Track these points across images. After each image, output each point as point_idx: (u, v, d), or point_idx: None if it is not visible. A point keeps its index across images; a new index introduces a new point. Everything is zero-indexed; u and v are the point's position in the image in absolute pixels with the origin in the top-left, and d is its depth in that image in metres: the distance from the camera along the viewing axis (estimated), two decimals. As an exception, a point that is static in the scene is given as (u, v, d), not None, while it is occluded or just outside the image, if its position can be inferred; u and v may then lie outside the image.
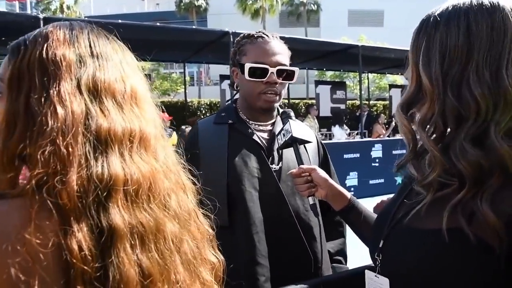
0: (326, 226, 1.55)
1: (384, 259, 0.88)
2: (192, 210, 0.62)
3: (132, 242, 0.48)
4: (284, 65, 1.48)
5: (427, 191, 0.82)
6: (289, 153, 1.48)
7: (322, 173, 1.26)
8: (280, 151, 1.48)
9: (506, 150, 0.71)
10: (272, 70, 1.44)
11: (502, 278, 0.70)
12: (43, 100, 0.52)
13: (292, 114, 1.45)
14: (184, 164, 0.69)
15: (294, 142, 1.32)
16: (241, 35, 1.57)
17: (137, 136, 0.54)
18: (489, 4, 0.77)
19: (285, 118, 1.41)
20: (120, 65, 0.59)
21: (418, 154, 0.86)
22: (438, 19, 0.81)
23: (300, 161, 1.30)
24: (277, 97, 1.49)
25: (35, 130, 0.50)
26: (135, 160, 0.52)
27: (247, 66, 1.44)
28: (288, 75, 1.50)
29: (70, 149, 0.49)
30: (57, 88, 0.52)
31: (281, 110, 1.59)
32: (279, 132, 1.40)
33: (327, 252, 1.56)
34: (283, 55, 1.50)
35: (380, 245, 0.89)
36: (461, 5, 0.79)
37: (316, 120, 10.41)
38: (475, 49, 0.76)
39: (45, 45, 0.56)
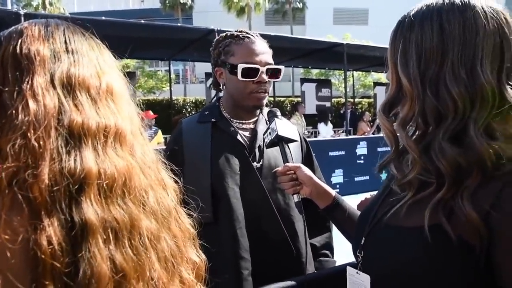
0: (312, 220, 1.56)
1: (365, 256, 0.89)
2: (173, 208, 0.62)
3: (105, 237, 0.47)
4: (271, 64, 1.52)
5: (408, 189, 0.83)
6: (270, 151, 1.51)
7: (307, 171, 1.27)
8: (262, 149, 1.50)
9: (485, 148, 0.72)
10: (262, 69, 1.48)
11: (482, 276, 0.71)
12: (15, 94, 0.51)
13: (278, 113, 1.47)
14: (165, 163, 0.68)
15: (280, 141, 1.34)
16: (223, 35, 1.59)
17: (112, 132, 0.53)
18: (460, 3, 0.79)
19: (271, 117, 1.43)
20: (96, 62, 0.58)
21: (399, 154, 0.87)
22: (413, 20, 0.82)
23: (285, 159, 1.32)
24: (267, 95, 1.53)
25: (6, 124, 0.50)
26: (110, 155, 0.52)
27: (240, 67, 1.46)
28: (274, 73, 1.53)
29: (41, 143, 0.48)
30: (30, 83, 0.51)
31: (266, 109, 1.60)
32: (266, 131, 1.42)
33: (310, 247, 1.57)
34: (268, 54, 1.54)
35: (362, 242, 0.90)
36: (434, 5, 0.81)
37: (303, 118, 10.46)
38: (449, 48, 0.77)
39: (19, 41, 0.56)
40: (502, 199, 0.69)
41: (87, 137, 0.50)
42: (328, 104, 13.03)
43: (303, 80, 14.08)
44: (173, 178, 0.67)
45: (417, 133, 0.84)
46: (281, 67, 1.56)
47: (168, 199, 0.61)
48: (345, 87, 10.54)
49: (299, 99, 13.39)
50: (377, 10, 33.45)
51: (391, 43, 0.86)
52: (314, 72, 21.69)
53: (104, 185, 0.49)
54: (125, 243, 0.49)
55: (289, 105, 19.14)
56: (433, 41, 0.78)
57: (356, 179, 8.28)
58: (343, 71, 10.88)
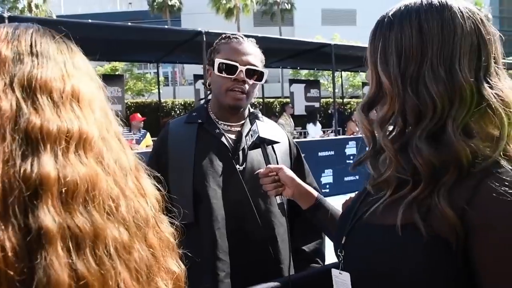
0: (303, 226, 1.57)
1: (346, 255, 0.90)
2: (151, 217, 0.60)
3: (65, 245, 0.46)
4: (254, 65, 1.51)
5: (386, 188, 0.83)
6: (253, 154, 1.51)
7: (289, 172, 1.28)
8: (245, 152, 1.51)
9: (462, 146, 0.73)
10: (241, 68, 1.48)
11: (460, 273, 0.72)
12: None
13: (259, 115, 1.47)
14: (148, 169, 0.66)
15: (262, 143, 1.34)
16: (221, 36, 1.62)
17: (75, 136, 0.51)
18: (438, 3, 0.80)
19: (252, 119, 1.43)
20: (63, 65, 0.57)
21: (376, 153, 0.87)
22: (392, 19, 0.82)
23: (267, 161, 1.33)
24: (245, 96, 1.51)
25: None
26: (71, 161, 0.50)
27: (217, 61, 1.49)
28: (257, 76, 1.53)
29: None
30: None
31: (251, 110, 1.61)
32: (247, 133, 1.43)
33: (301, 253, 1.57)
34: (254, 56, 1.54)
35: (343, 242, 0.90)
36: (413, 5, 0.81)
37: (291, 119, 10.50)
38: (428, 47, 0.78)
39: None
40: (477, 196, 0.70)
41: (46, 141, 0.49)
42: (317, 104, 13.10)
43: (292, 81, 14.15)
44: (156, 185, 0.65)
45: (394, 132, 0.84)
46: (265, 70, 1.56)
47: (146, 207, 0.59)
48: (333, 88, 10.59)
49: (288, 100, 13.42)
50: (365, 10, 33.71)
51: (371, 43, 0.86)
52: (303, 73, 21.80)
53: (64, 191, 0.48)
54: (87, 252, 0.48)
55: (278, 106, 19.20)
56: (412, 40, 0.79)
57: (346, 179, 8.33)
58: (331, 72, 10.93)
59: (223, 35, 1.60)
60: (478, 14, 0.80)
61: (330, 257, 1.63)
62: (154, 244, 0.58)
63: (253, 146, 1.38)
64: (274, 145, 1.57)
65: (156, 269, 0.57)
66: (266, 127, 1.37)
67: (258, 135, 1.32)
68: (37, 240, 0.44)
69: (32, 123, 0.49)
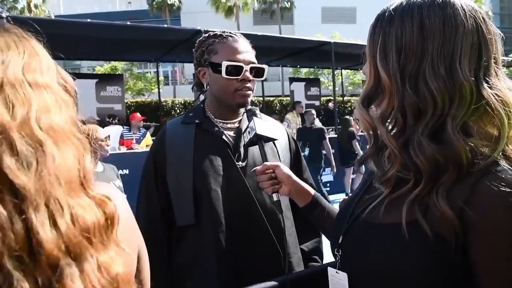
0: (301, 224, 1.56)
1: (343, 254, 0.89)
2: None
3: None
4: (255, 63, 1.52)
5: (385, 186, 0.83)
6: (254, 150, 1.49)
7: (286, 169, 1.27)
8: (246, 148, 1.50)
9: (461, 145, 0.72)
10: (246, 67, 1.48)
11: (459, 272, 0.72)
12: None
13: (257, 111, 1.46)
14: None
15: (259, 140, 1.34)
16: (205, 35, 1.59)
17: None
18: (440, 0, 0.79)
19: (250, 115, 1.43)
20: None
21: (378, 149, 0.86)
22: (393, 14, 0.81)
23: (264, 158, 1.32)
24: (251, 93, 1.53)
25: None
26: None
27: (224, 64, 1.46)
28: (258, 72, 1.54)
29: None
30: None
31: (248, 107, 1.60)
32: (245, 130, 1.42)
33: (299, 248, 1.57)
34: (251, 53, 1.54)
35: (340, 241, 0.90)
36: (415, 0, 0.80)
37: (299, 117, 10.43)
38: (429, 44, 0.77)
39: None
40: (475, 195, 0.70)
41: None
42: (317, 103, 13.10)
43: (292, 80, 14.15)
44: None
45: (395, 129, 0.83)
46: (265, 66, 1.56)
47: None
48: (334, 86, 10.58)
49: (288, 98, 13.38)
50: (365, 8, 33.65)
51: (370, 37, 0.86)
52: (304, 71, 21.77)
53: None
54: None
55: (278, 105, 19.18)
56: (413, 36, 0.78)
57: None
58: (331, 70, 10.92)
59: (211, 34, 1.57)
60: (480, 13, 0.79)
61: (328, 255, 1.64)
62: None
63: (250, 143, 1.37)
64: (276, 141, 1.56)
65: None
66: (263, 124, 1.37)
67: (255, 132, 1.32)
68: None
69: None
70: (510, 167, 0.71)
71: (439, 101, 0.75)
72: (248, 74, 1.48)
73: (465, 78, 0.75)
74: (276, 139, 1.43)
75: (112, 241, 0.57)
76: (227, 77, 1.46)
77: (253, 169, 1.34)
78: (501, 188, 0.68)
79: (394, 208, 0.78)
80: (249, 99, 1.53)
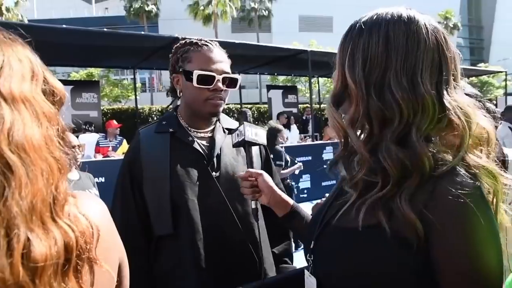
0: (271, 228, 1.59)
1: (315, 259, 0.92)
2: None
3: None
4: (228, 73, 1.52)
5: (353, 190, 0.86)
6: (227, 158, 1.52)
7: (268, 179, 1.29)
8: (220, 158, 1.52)
9: (425, 152, 0.77)
10: (218, 77, 1.48)
11: (422, 273, 0.75)
12: None
13: (249, 114, 1.46)
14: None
15: (248, 145, 1.35)
16: (182, 42, 1.58)
17: None
18: (406, 16, 0.84)
19: (243, 118, 1.43)
20: None
21: (349, 154, 0.90)
22: (363, 27, 0.86)
23: (250, 164, 1.33)
24: (223, 103, 1.53)
25: None
26: None
27: (196, 73, 1.46)
28: (230, 82, 1.54)
29: None
30: None
31: (224, 117, 1.62)
32: (234, 131, 1.43)
33: (271, 253, 1.60)
34: (226, 63, 1.54)
35: (311, 246, 0.92)
36: (383, 15, 0.86)
37: (281, 127, 10.52)
38: (392, 56, 0.82)
39: None
40: (433, 199, 0.75)
41: None
42: (294, 110, 13.20)
43: (270, 87, 14.24)
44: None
45: (363, 135, 0.87)
46: (238, 76, 1.57)
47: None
48: (310, 94, 10.71)
49: (266, 105, 13.43)
50: (341, 17, 34.17)
51: (341, 45, 0.90)
52: (281, 79, 21.93)
53: None
54: None
55: (256, 112, 19.24)
56: (378, 49, 0.83)
57: (323, 183, 8.40)
58: (308, 78, 11.05)
59: (187, 41, 1.57)
60: (442, 32, 0.85)
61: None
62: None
63: (237, 145, 1.38)
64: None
65: None
66: (252, 129, 1.37)
67: (244, 138, 1.32)
68: None
69: None
70: (466, 173, 0.75)
71: (404, 110, 0.80)
72: (220, 84, 1.48)
73: (426, 91, 0.80)
74: (263, 144, 1.44)
75: (86, 261, 0.55)
76: (198, 86, 1.47)
77: (238, 174, 1.35)
78: (456, 191, 0.72)
79: (359, 212, 0.81)
80: (220, 109, 1.53)
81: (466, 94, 0.86)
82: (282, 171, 5.46)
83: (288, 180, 5.79)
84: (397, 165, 0.79)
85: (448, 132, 0.81)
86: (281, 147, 5.62)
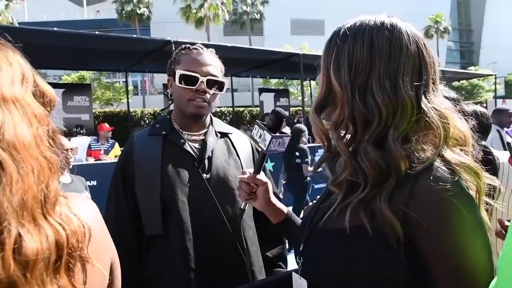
0: (265, 231, 1.60)
1: (304, 261, 0.94)
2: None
3: None
4: (215, 76, 1.54)
5: (338, 191, 0.89)
6: (218, 161, 1.54)
7: (269, 191, 1.25)
8: (211, 160, 1.53)
9: (399, 153, 0.80)
10: (202, 79, 1.50)
11: (407, 272, 0.77)
12: None
13: (285, 114, 1.33)
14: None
15: (266, 154, 1.25)
16: (180, 47, 1.62)
17: None
18: (389, 23, 0.87)
19: (273, 123, 1.27)
20: None
21: (333, 155, 0.93)
22: (347, 32, 0.89)
23: (258, 171, 1.25)
24: (206, 104, 1.54)
25: None
26: None
27: (178, 73, 1.51)
28: (219, 86, 1.56)
29: None
30: None
31: (217, 120, 1.64)
32: (260, 135, 1.24)
33: (261, 256, 1.60)
34: (214, 67, 1.56)
35: (301, 249, 0.94)
36: (367, 22, 0.89)
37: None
38: (376, 61, 0.85)
39: None
40: (413, 197, 0.77)
41: None
42: (286, 113, 13.26)
43: (262, 90, 14.28)
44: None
45: (347, 137, 0.90)
46: (226, 80, 1.59)
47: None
48: (302, 97, 10.78)
49: (258, 109, 13.46)
50: (333, 21, 34.41)
51: (326, 50, 0.93)
52: (273, 82, 22.01)
53: None
54: None
55: (248, 115, 19.28)
56: (363, 54, 0.86)
57: (316, 186, 8.43)
58: (300, 81, 11.11)
59: (183, 46, 1.61)
60: (422, 39, 0.89)
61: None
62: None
63: (257, 152, 1.36)
64: (238, 149, 1.62)
65: None
66: (277, 141, 1.23)
67: (264, 151, 1.22)
68: None
69: None
70: (444, 169, 0.78)
71: (383, 113, 0.83)
72: (203, 85, 1.50)
73: (406, 93, 0.83)
74: (282, 151, 1.30)
75: (78, 260, 0.56)
76: (179, 85, 1.51)
77: (239, 176, 1.27)
78: (434, 186, 0.75)
79: (344, 213, 0.84)
80: (204, 110, 1.54)
81: (445, 97, 0.89)
82: (309, 168, 5.89)
83: (309, 178, 6.16)
84: (374, 166, 0.81)
85: (428, 132, 0.84)
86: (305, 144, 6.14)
